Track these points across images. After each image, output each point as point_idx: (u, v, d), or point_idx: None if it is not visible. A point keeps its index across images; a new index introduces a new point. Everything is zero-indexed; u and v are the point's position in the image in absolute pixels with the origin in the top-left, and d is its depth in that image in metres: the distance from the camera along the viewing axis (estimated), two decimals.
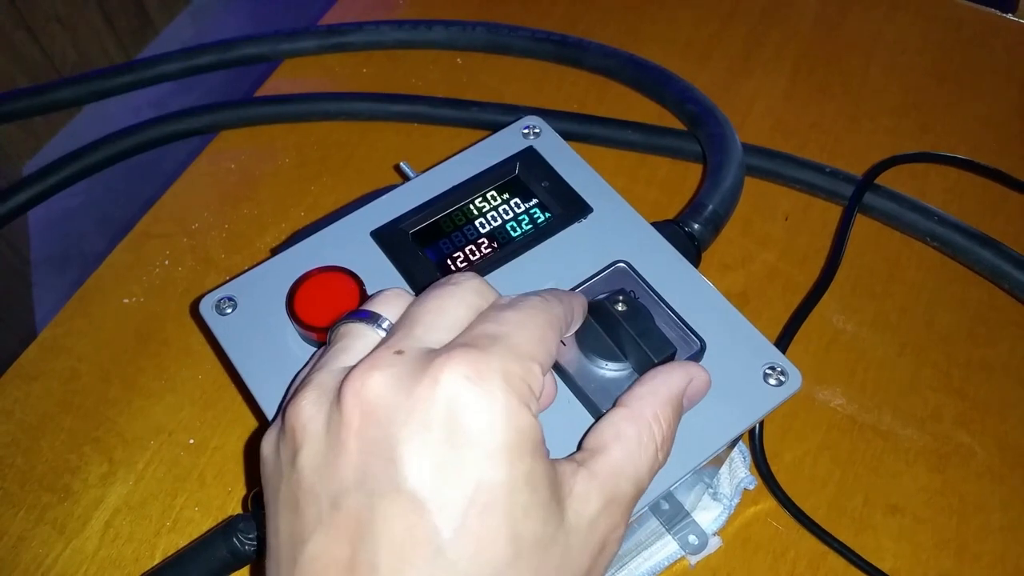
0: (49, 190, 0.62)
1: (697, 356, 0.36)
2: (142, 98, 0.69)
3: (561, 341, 0.36)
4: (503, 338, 0.27)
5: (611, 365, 0.35)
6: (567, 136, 0.45)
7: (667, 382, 0.31)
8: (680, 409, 0.31)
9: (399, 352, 0.27)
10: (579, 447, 0.30)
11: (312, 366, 0.30)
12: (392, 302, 0.31)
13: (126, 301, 0.55)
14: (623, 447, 0.29)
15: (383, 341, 0.28)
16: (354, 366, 0.27)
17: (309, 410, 0.27)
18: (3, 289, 1.40)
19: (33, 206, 0.62)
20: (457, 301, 0.29)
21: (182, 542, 0.45)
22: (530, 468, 0.25)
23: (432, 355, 0.26)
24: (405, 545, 0.24)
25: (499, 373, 0.25)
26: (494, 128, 0.60)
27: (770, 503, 0.46)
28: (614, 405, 0.31)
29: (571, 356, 0.36)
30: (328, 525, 0.25)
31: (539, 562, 0.25)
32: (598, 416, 0.34)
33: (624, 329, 0.34)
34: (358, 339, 0.29)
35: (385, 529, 0.24)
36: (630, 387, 0.31)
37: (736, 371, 0.36)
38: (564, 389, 0.36)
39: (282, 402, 0.33)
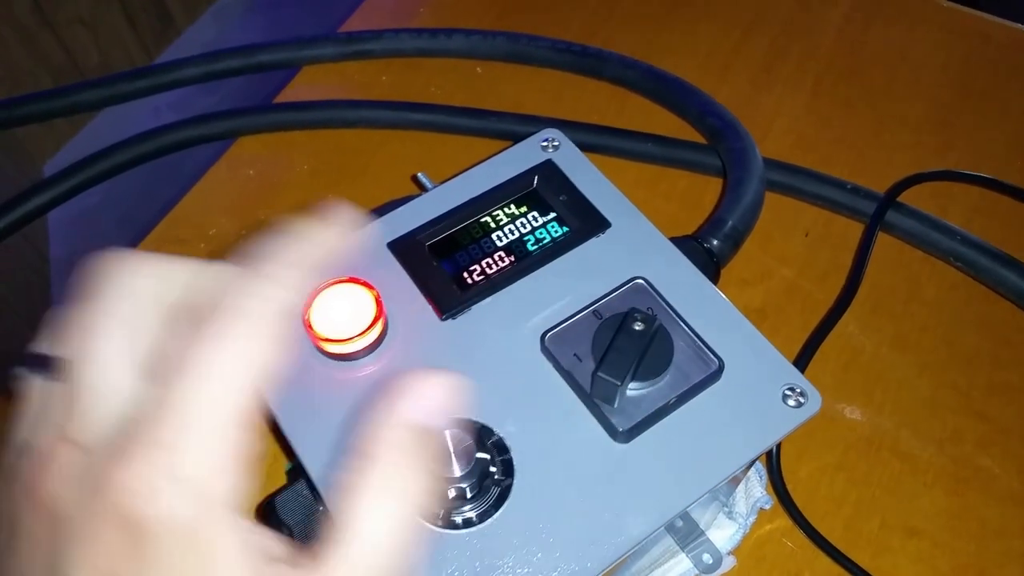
0: (70, 191, 0.62)
1: (715, 375, 0.35)
2: (162, 99, 0.70)
3: (576, 356, 0.36)
4: (171, 439, 0.21)
5: (631, 384, 0.35)
6: (585, 147, 0.44)
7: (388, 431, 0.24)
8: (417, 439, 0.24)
9: (76, 447, 0.23)
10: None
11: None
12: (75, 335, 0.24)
13: None
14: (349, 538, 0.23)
15: (66, 420, 0.23)
16: (30, 454, 0.23)
17: None
18: (22, 286, 1.41)
19: (54, 207, 0.62)
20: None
21: None
22: None
23: (110, 453, 0.22)
24: None
25: (169, 480, 0.21)
26: (512, 138, 0.60)
27: (785, 522, 0.46)
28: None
29: (588, 375, 0.35)
30: None
31: None
32: (613, 433, 0.34)
33: (639, 348, 0.33)
34: (37, 400, 0.24)
35: None
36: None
37: (755, 391, 0.36)
38: (581, 407, 0.35)
39: None
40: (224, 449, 0.22)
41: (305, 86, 0.67)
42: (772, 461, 0.46)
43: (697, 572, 0.44)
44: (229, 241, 0.57)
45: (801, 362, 0.49)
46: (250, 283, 0.23)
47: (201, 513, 0.21)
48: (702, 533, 0.44)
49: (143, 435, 0.21)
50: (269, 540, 0.23)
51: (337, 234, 0.26)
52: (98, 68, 1.65)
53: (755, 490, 0.45)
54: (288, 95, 0.66)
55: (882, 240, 0.56)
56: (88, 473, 0.22)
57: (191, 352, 0.22)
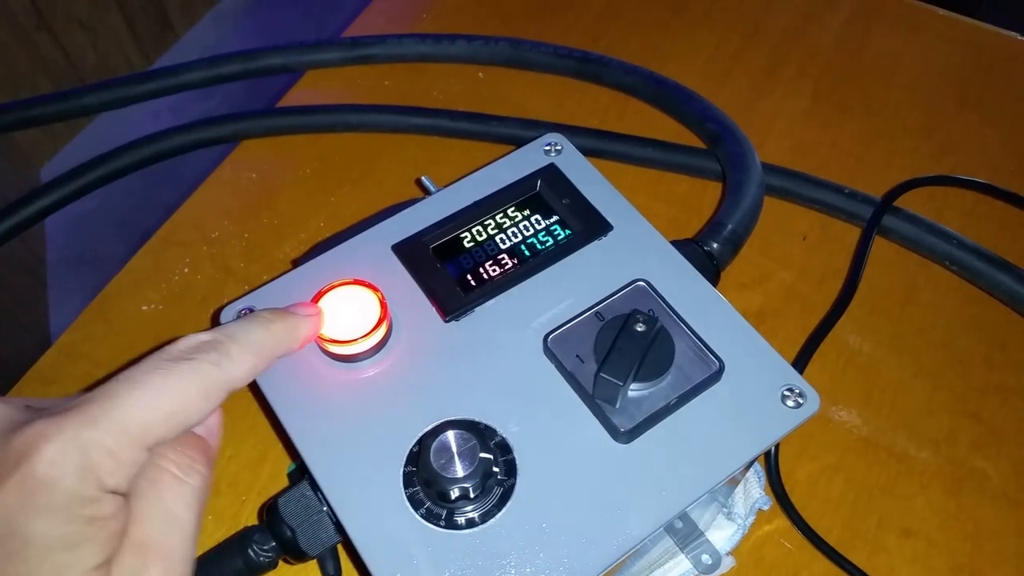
0: (71, 195, 0.62)
1: (716, 376, 0.36)
2: (161, 103, 0.70)
3: (579, 357, 0.36)
4: (95, 418, 0.27)
5: (633, 385, 0.35)
6: (586, 152, 0.45)
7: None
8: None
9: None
10: None
11: None
12: None
13: (145, 308, 0.55)
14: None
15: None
16: None
17: None
18: (19, 289, 1.41)
19: (55, 211, 0.62)
20: None
21: (195, 552, 0.45)
22: None
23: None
24: None
25: (77, 448, 0.26)
26: (514, 142, 0.60)
27: (783, 523, 0.46)
28: None
29: (590, 376, 0.36)
30: None
31: None
32: (615, 434, 0.35)
33: (640, 349, 0.34)
34: None
35: None
36: None
37: (754, 392, 0.36)
38: (583, 408, 0.36)
39: None
40: (123, 451, 0.26)
41: (308, 90, 0.67)
42: (771, 462, 0.47)
43: (696, 573, 0.44)
44: (232, 244, 0.58)
45: (799, 364, 0.50)
46: (210, 351, 0.29)
47: (86, 490, 0.25)
48: (701, 534, 0.45)
49: (78, 403, 0.26)
50: (112, 527, 0.26)
51: (294, 329, 0.34)
52: (96, 71, 1.65)
53: (754, 491, 0.46)
54: (291, 99, 0.67)
55: (879, 244, 0.56)
56: (16, 423, 0.26)
57: (142, 369, 0.28)
